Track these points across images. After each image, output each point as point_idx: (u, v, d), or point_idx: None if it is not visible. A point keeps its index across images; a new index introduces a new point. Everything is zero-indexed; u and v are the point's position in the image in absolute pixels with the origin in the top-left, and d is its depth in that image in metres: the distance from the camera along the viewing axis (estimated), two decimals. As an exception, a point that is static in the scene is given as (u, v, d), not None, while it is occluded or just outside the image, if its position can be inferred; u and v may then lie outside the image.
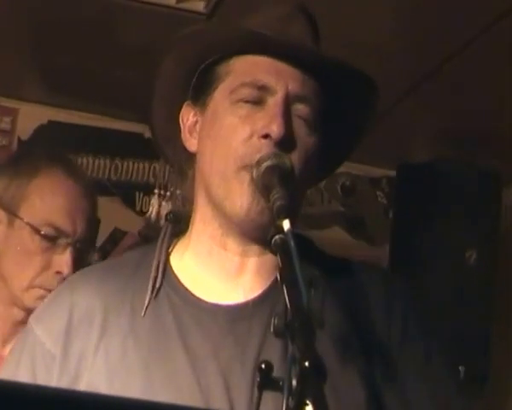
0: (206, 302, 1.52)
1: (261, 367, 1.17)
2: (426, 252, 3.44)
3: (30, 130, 3.89)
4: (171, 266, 1.57)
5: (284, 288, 1.21)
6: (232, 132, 1.49)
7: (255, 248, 1.53)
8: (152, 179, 3.89)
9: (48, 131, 3.90)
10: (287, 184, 1.40)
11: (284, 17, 1.56)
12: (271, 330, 1.21)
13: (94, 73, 3.45)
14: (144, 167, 3.94)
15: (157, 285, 1.53)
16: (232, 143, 1.49)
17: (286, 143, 1.47)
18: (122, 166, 3.97)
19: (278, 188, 1.37)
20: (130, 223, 3.88)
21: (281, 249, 1.27)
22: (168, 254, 1.58)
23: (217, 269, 1.54)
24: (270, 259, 1.51)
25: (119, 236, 3.87)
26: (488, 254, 3.49)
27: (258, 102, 1.50)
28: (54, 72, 3.56)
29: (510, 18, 2.76)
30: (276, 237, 1.28)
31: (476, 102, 3.28)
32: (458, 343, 3.33)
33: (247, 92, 1.50)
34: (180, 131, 1.59)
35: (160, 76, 1.59)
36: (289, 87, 1.50)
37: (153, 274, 1.54)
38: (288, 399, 1.10)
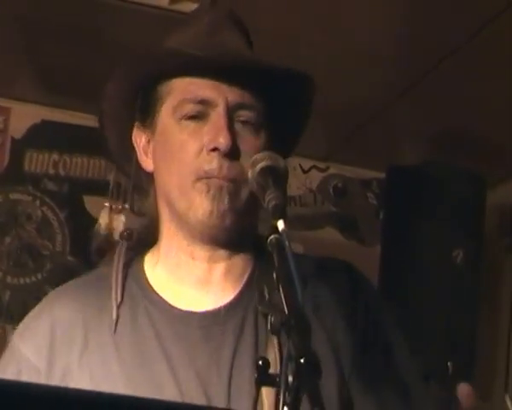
0: (180, 310, 1.54)
1: (258, 364, 1.21)
2: (415, 251, 3.48)
3: (23, 129, 3.88)
4: (146, 277, 1.60)
5: (280, 287, 1.24)
6: (182, 150, 1.53)
7: (222, 252, 1.56)
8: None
9: (41, 130, 3.88)
10: (281, 185, 1.41)
11: (213, 29, 1.58)
12: (268, 327, 1.25)
13: (87, 73, 3.43)
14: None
15: (118, 302, 1.54)
16: (185, 160, 1.52)
17: (233, 153, 1.51)
18: (116, 166, 3.96)
19: (273, 188, 1.38)
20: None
21: (276, 249, 1.29)
22: (142, 266, 1.61)
23: (186, 278, 1.57)
24: (238, 262, 1.57)
25: (114, 235, 3.88)
26: (474, 253, 3.54)
27: (201, 117, 1.53)
28: (47, 71, 3.55)
29: (497, 23, 2.80)
30: (272, 236, 1.31)
31: (464, 107, 3.32)
32: (445, 341, 3.38)
33: (188, 108, 1.53)
34: (135, 151, 1.62)
35: (105, 99, 1.63)
36: (229, 98, 1.52)
37: (113, 296, 1.55)
38: (284, 394, 1.14)
